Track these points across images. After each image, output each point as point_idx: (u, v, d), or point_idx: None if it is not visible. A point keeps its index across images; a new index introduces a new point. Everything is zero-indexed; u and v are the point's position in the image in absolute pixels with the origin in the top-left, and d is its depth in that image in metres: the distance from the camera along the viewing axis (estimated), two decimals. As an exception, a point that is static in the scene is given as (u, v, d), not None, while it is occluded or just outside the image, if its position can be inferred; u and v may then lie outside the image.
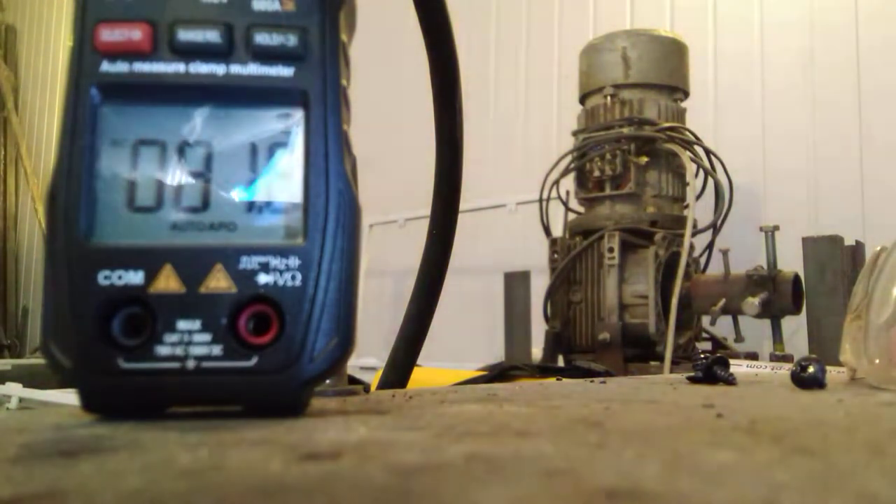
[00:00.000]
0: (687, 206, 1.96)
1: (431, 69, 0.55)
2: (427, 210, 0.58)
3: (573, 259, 1.94)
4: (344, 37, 0.33)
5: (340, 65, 0.32)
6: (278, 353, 0.29)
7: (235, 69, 0.31)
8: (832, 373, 0.56)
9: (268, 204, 0.31)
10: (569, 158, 2.04)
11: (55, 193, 0.29)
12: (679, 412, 0.34)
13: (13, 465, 0.21)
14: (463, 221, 0.59)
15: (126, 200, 0.30)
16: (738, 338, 1.84)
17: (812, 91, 2.20)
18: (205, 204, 0.30)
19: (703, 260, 2.02)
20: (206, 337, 0.29)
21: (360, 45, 0.39)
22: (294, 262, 0.30)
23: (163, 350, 0.29)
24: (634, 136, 1.90)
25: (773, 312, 1.72)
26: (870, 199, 2.07)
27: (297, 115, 0.31)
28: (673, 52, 2.00)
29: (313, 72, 0.31)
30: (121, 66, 0.30)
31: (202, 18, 0.31)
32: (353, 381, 0.51)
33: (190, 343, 0.29)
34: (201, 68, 0.31)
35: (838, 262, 1.61)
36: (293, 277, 0.29)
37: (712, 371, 0.52)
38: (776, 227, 1.71)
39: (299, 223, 0.30)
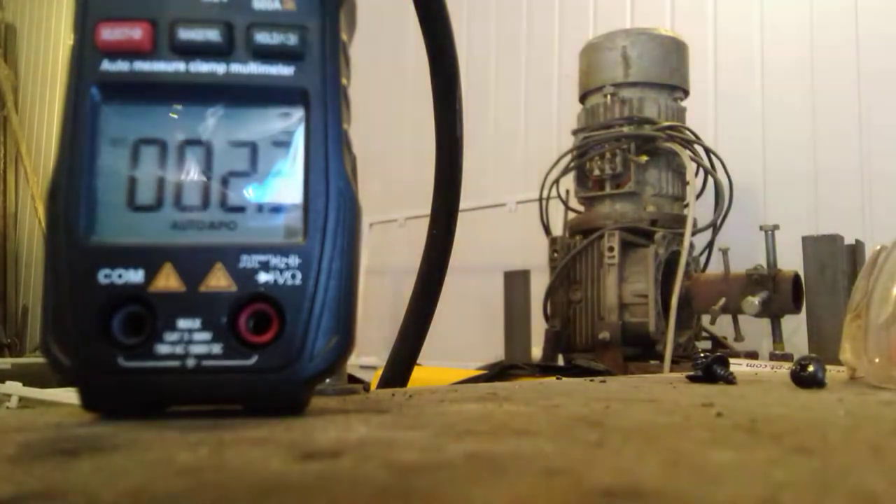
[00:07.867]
0: (687, 205, 1.96)
1: (431, 68, 0.55)
2: (427, 209, 0.58)
3: (573, 258, 1.94)
4: (344, 36, 0.33)
5: (340, 64, 0.32)
6: (278, 352, 0.29)
7: (236, 68, 0.31)
8: (832, 372, 0.56)
9: (268, 203, 0.31)
10: (569, 157, 2.04)
11: (55, 192, 0.29)
12: (679, 411, 0.34)
13: (13, 463, 0.21)
14: (463, 221, 0.59)
15: (126, 199, 0.30)
16: (738, 337, 1.84)
17: (812, 90, 2.20)
18: (205, 203, 0.30)
19: (702, 259, 2.02)
20: (206, 336, 0.29)
21: (360, 45, 0.39)
22: (294, 260, 0.30)
23: (163, 349, 0.29)
24: (634, 135, 1.90)
25: (772, 311, 1.72)
26: (870, 198, 2.07)
27: (298, 114, 0.31)
28: (673, 51, 1.99)
29: (313, 71, 0.31)
30: (121, 65, 0.30)
31: (202, 17, 0.31)
32: (353, 379, 0.51)
33: (190, 342, 0.29)
34: (201, 67, 0.31)
35: (838, 261, 1.61)
36: (293, 276, 0.29)
37: (712, 370, 0.52)
38: (776, 227, 1.71)
39: (299, 222, 0.30)
